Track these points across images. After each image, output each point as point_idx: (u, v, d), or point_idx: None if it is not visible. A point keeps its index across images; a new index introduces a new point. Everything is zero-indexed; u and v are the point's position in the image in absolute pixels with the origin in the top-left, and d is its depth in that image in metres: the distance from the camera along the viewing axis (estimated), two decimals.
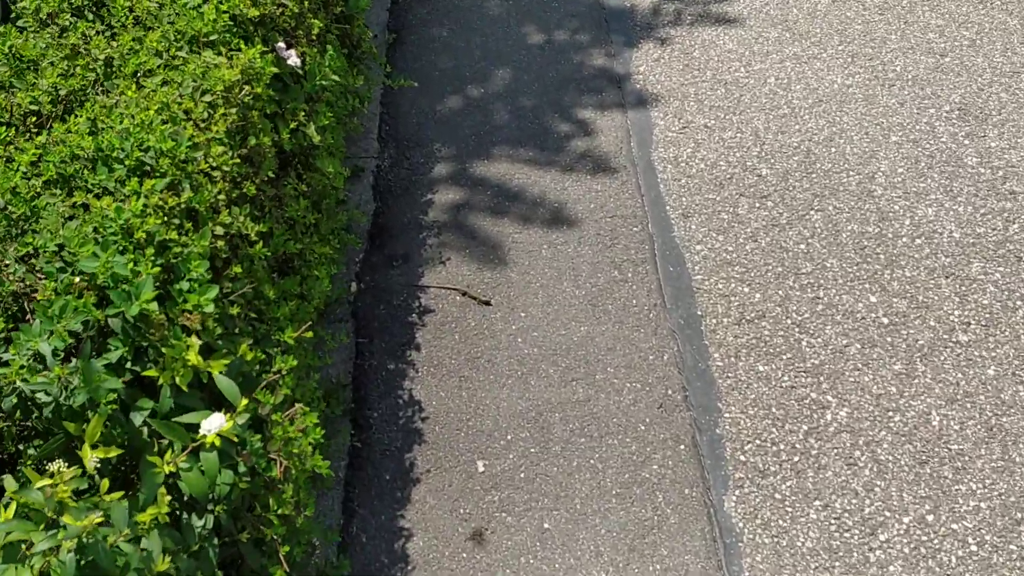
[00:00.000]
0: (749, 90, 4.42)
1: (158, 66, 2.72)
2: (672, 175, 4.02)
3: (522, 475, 2.99)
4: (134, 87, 2.58)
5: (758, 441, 3.04)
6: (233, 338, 2.31)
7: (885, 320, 3.37)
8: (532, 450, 3.06)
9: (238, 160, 2.55)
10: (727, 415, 3.12)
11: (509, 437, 3.11)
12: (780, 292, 3.50)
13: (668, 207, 3.89)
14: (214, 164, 2.46)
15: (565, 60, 4.71)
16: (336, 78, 3.29)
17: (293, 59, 3.11)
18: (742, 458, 3.00)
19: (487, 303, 3.56)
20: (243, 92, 2.68)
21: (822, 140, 4.12)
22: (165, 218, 2.23)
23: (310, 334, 2.53)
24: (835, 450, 3.00)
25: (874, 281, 3.51)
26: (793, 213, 3.80)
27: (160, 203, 2.24)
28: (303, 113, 3.12)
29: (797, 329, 3.37)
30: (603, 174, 4.07)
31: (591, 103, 4.44)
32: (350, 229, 3.82)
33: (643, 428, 3.11)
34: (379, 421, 3.21)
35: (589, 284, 3.61)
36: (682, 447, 3.04)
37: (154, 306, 1.99)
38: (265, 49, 2.91)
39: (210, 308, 2.12)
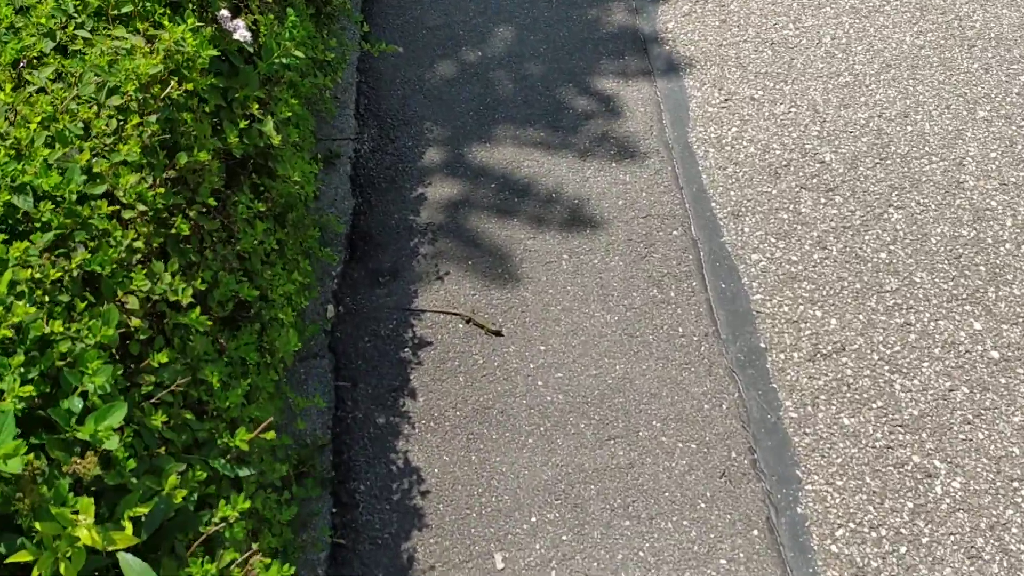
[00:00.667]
0: (801, 52, 3.67)
1: (49, 51, 1.95)
2: (716, 162, 3.29)
3: (553, 574, 2.32)
4: (10, 85, 1.82)
5: (852, 524, 2.38)
6: (157, 462, 1.60)
7: (995, 354, 2.70)
8: (564, 538, 2.39)
9: (162, 189, 1.81)
10: (809, 487, 2.46)
11: (534, 519, 2.44)
12: (861, 316, 2.81)
13: (714, 204, 3.17)
14: (126, 201, 1.72)
15: (578, 16, 3.93)
16: (300, 53, 2.53)
17: (241, 32, 2.34)
18: (833, 548, 2.34)
19: (498, 333, 2.85)
20: (169, 89, 1.93)
21: (894, 116, 3.40)
22: (46, 298, 1.51)
23: (271, 434, 1.82)
24: (951, 536, 2.35)
25: (976, 301, 2.83)
26: (868, 211, 3.09)
27: (40, 275, 1.51)
28: (257, 105, 2.36)
29: (887, 367, 2.69)
30: (631, 161, 3.33)
31: (612, 70, 3.68)
32: (324, 239, 3.08)
33: (703, 506, 2.44)
34: (367, 496, 2.52)
35: (623, 307, 2.90)
36: (755, 532, 2.38)
37: (17, 463, 1.28)
38: (200, 23, 2.14)
39: (113, 443, 1.41)
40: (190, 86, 1.96)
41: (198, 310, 1.78)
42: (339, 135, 3.51)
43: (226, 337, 2.05)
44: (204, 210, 1.98)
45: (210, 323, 1.79)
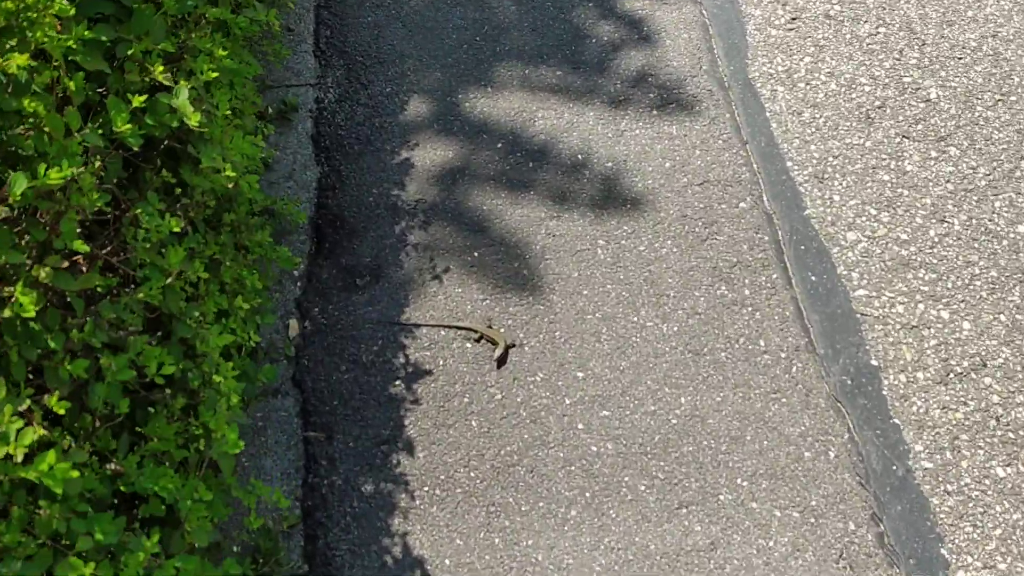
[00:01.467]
0: None
1: None
2: (787, 104, 2.53)
3: None
4: None
5: None
6: None
7: None
8: None
9: None
10: (962, 574, 1.79)
11: None
12: (1003, 317, 2.11)
13: (790, 163, 2.42)
14: None
15: None
16: None
17: None
18: None
19: (508, 348, 2.13)
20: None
21: (1011, 35, 2.63)
22: None
23: None
24: None
25: None
26: (994, 168, 2.36)
27: None
28: (162, 67, 1.58)
29: None
30: (677, 107, 2.56)
31: None
32: (281, 227, 2.32)
33: None
34: None
35: (682, 312, 2.18)
36: None
37: None
38: None
39: None
40: (31, 48, 1.17)
41: (53, 454, 1.04)
42: (295, 80, 2.71)
43: (121, 444, 1.31)
44: (67, 263, 1.22)
45: (76, 475, 1.05)
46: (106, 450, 1.29)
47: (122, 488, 1.31)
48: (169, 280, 1.49)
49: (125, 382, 1.32)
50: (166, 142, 1.70)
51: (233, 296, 1.85)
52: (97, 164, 1.38)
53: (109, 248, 1.39)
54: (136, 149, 1.51)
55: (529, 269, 2.29)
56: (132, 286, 1.44)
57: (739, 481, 1.93)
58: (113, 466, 1.30)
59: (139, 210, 1.47)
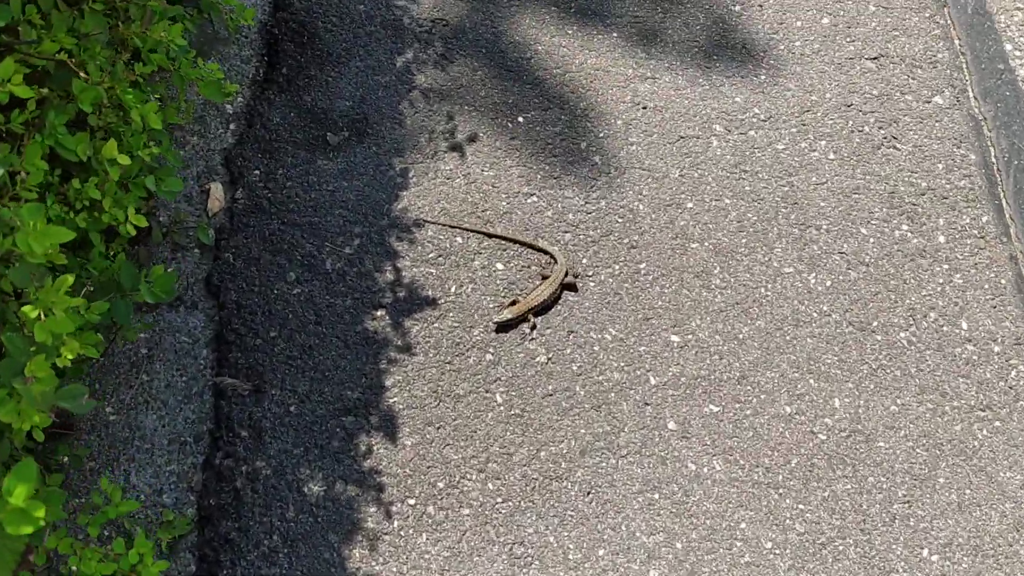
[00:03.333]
0: None
1: None
2: None
3: None
4: None
5: None
6: None
7: None
8: None
9: None
10: None
11: None
12: None
13: (1010, 45, 1.58)
14: None
15: None
16: None
17: None
18: None
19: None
20: None
21: None
22: None
23: None
24: None
25: None
26: None
27: None
28: None
29: None
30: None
31: None
32: (212, 28, 1.43)
33: None
34: None
35: (839, 255, 1.39)
36: None
37: None
38: None
39: None
40: None
41: None
42: None
43: None
44: None
45: None
46: None
47: None
48: None
49: None
50: None
51: (103, 137, 0.97)
52: None
53: None
54: None
55: (602, 154, 1.44)
56: None
57: (924, 554, 1.17)
58: None
59: None
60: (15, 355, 0.80)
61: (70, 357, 0.84)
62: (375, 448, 1.19)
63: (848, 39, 1.59)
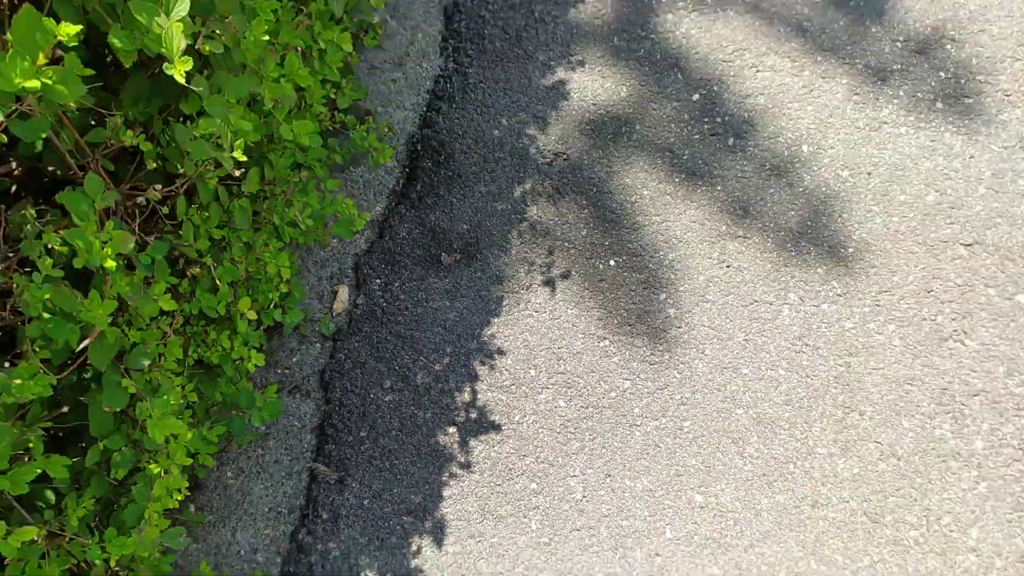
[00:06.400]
0: None
1: None
2: None
3: None
4: None
5: None
6: None
7: None
8: None
9: None
10: None
11: None
12: None
13: None
14: None
15: None
16: None
17: None
18: None
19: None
20: None
21: None
22: None
23: None
24: None
25: None
26: None
27: None
28: None
29: None
30: (971, 108, 1.71)
31: None
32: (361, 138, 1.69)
33: None
34: None
35: (874, 444, 1.49)
36: None
37: None
38: None
39: None
40: None
41: None
42: None
43: None
44: None
45: None
46: None
47: None
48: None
49: None
50: None
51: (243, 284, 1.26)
52: None
53: None
54: None
55: (678, 307, 1.60)
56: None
57: None
58: None
59: None
60: (140, 501, 1.11)
61: (179, 499, 1.15)
62: (423, 549, 1.46)
63: (948, 220, 1.64)
